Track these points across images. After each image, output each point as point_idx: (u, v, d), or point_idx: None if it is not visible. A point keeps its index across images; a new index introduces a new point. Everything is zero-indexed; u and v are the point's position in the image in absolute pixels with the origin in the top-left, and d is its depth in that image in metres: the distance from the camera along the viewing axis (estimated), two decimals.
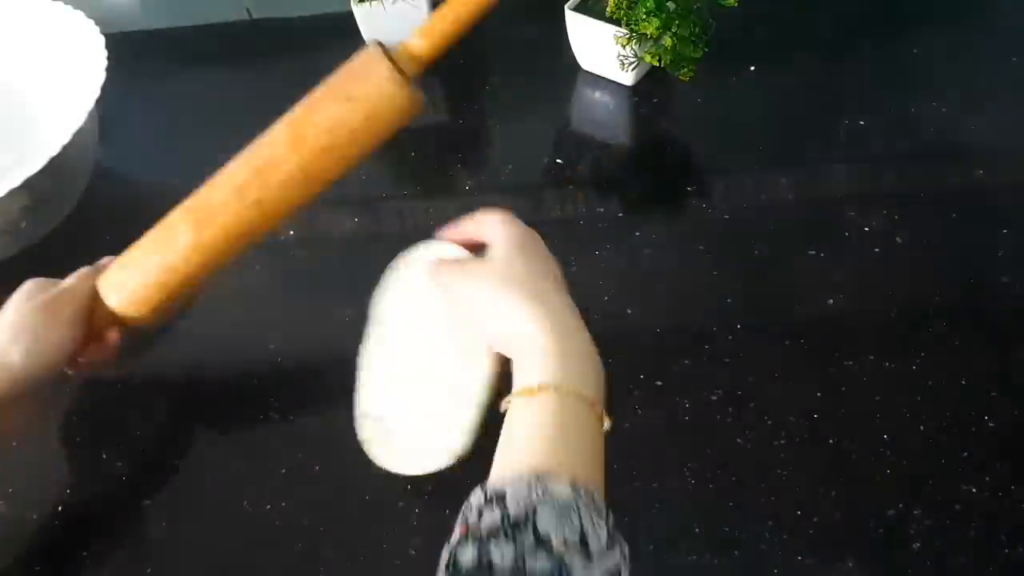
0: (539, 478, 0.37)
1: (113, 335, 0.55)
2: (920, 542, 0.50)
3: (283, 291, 0.66)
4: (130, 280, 0.54)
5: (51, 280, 0.55)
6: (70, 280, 0.55)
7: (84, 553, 0.54)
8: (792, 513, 0.52)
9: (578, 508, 0.37)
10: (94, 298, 0.54)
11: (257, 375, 0.62)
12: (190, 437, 0.59)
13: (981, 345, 0.59)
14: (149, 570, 0.54)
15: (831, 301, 0.61)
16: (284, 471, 0.57)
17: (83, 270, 0.56)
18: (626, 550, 0.38)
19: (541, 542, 0.35)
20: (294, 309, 0.66)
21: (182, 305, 0.57)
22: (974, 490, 0.52)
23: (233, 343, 0.64)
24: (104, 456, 0.58)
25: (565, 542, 0.35)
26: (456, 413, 0.55)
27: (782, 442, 0.55)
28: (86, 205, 0.74)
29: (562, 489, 0.37)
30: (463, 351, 0.55)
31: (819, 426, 0.56)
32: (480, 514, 0.37)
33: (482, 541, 0.36)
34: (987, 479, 0.52)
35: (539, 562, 0.34)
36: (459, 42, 0.56)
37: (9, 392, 0.50)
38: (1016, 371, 0.57)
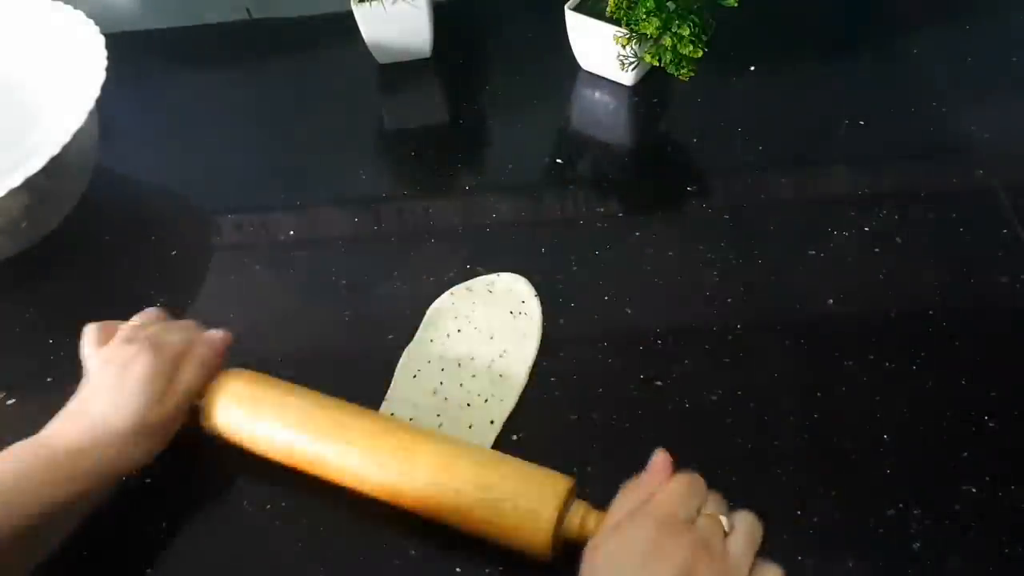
0: None
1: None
2: (920, 542, 0.50)
3: (283, 291, 0.66)
4: (234, 416, 0.55)
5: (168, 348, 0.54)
6: (186, 369, 0.54)
7: (84, 553, 0.54)
8: (792, 513, 0.52)
9: None
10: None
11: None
12: (190, 437, 0.59)
13: (981, 345, 0.59)
14: (149, 570, 0.54)
15: (831, 301, 0.61)
16: (284, 471, 0.57)
17: (202, 351, 0.55)
18: None
19: None
20: (294, 309, 0.66)
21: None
22: (974, 490, 0.52)
23: (233, 343, 0.64)
24: None
25: None
26: (472, 435, 0.56)
27: (782, 442, 0.55)
28: (86, 205, 0.74)
29: None
30: (495, 381, 0.59)
31: (819, 426, 0.56)
32: None
33: None
34: (987, 479, 0.52)
35: None
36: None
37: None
38: (1016, 371, 0.57)
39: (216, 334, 0.57)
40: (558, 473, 0.50)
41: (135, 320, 0.57)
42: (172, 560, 0.54)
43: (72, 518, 0.52)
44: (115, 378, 0.52)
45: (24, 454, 0.50)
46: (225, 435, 0.55)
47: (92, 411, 0.52)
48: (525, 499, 0.48)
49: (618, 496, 0.47)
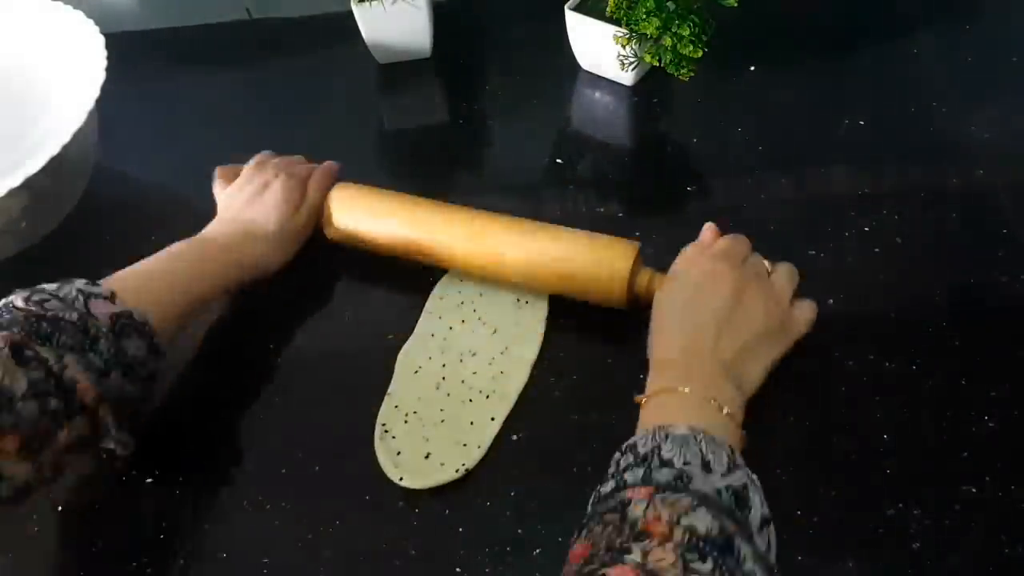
0: (660, 427, 0.45)
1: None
2: (920, 542, 0.50)
3: (283, 291, 0.66)
4: (351, 219, 0.66)
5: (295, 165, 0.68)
6: (312, 187, 0.66)
7: (84, 552, 0.54)
8: (792, 513, 0.52)
9: (698, 441, 0.44)
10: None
11: (257, 375, 0.62)
12: (190, 436, 0.59)
13: (981, 345, 0.59)
14: (149, 570, 0.54)
15: (831, 301, 0.61)
16: (284, 471, 0.57)
17: (319, 178, 0.67)
18: (755, 478, 0.44)
19: (664, 463, 0.43)
20: (294, 309, 0.66)
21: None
22: (974, 490, 0.52)
23: (233, 343, 0.64)
24: (103, 456, 0.58)
25: (686, 462, 0.42)
26: (473, 431, 0.56)
27: (782, 442, 0.55)
28: (86, 205, 0.74)
29: (680, 428, 0.45)
30: (496, 375, 0.59)
31: (819, 426, 0.56)
32: (617, 464, 0.45)
33: (617, 475, 0.44)
34: (987, 479, 0.52)
35: (663, 475, 0.42)
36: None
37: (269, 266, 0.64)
38: (1016, 371, 0.57)
39: (330, 163, 0.69)
40: (626, 240, 0.60)
41: (259, 156, 0.69)
42: (172, 560, 0.54)
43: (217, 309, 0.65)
44: (257, 193, 0.64)
45: (186, 249, 0.60)
46: (345, 237, 0.66)
47: (243, 217, 0.63)
48: (605, 262, 0.58)
49: (677, 259, 0.57)
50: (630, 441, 0.46)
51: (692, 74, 0.68)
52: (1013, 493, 0.52)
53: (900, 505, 0.52)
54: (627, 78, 0.77)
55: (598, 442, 0.56)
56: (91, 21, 0.71)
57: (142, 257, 0.59)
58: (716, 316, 0.52)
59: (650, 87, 0.78)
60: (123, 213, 0.76)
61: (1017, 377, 0.57)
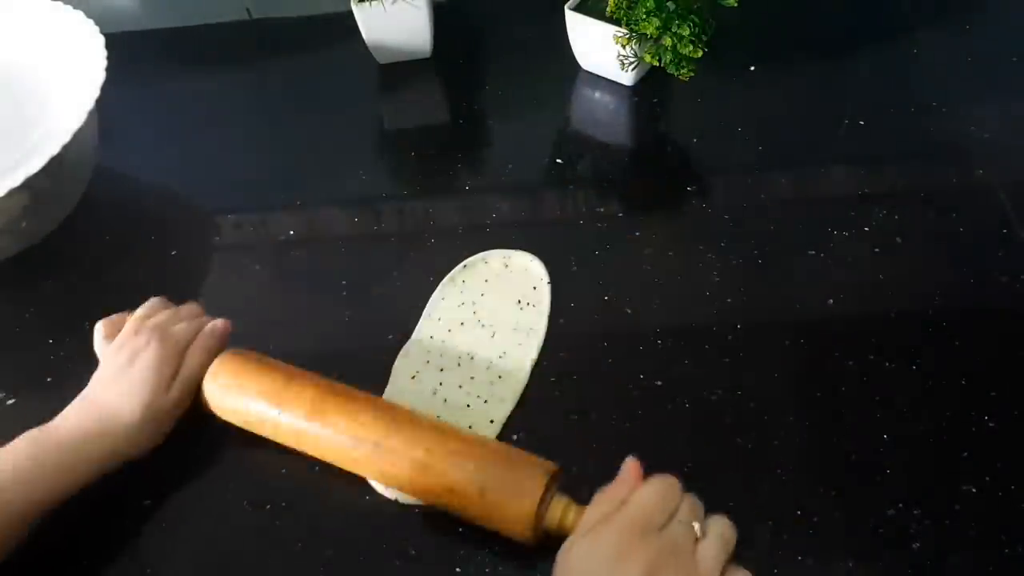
0: None
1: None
2: (920, 542, 0.50)
3: (283, 291, 0.66)
4: (230, 401, 0.56)
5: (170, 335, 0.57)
6: (191, 357, 0.57)
7: (83, 553, 0.54)
8: (792, 513, 0.52)
9: None
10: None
11: None
12: (190, 436, 0.59)
13: (981, 345, 0.59)
14: (149, 570, 0.54)
15: (831, 301, 0.61)
16: (284, 471, 0.57)
17: (202, 340, 0.58)
18: None
19: None
20: (294, 309, 0.66)
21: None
22: (974, 490, 0.52)
23: (233, 343, 0.64)
24: None
25: None
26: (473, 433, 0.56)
27: (782, 442, 0.55)
28: (86, 205, 0.74)
29: None
30: (495, 382, 0.59)
31: (819, 426, 0.56)
32: None
33: None
34: (987, 479, 0.52)
35: None
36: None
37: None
38: (1016, 371, 0.57)
39: (219, 322, 0.60)
40: (543, 460, 0.51)
41: (141, 310, 0.60)
42: (172, 559, 0.54)
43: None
44: (123, 368, 0.55)
45: (33, 443, 0.52)
46: (224, 418, 0.57)
47: (100, 400, 0.55)
48: (512, 486, 0.49)
49: (592, 502, 0.47)
50: None
51: (692, 74, 0.69)
52: (1013, 493, 0.52)
53: (900, 505, 0.52)
54: (627, 78, 0.77)
55: (598, 442, 0.56)
56: (91, 21, 0.71)
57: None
58: None
59: (650, 87, 0.78)
60: (123, 213, 0.76)
61: (1017, 377, 0.57)
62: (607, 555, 0.43)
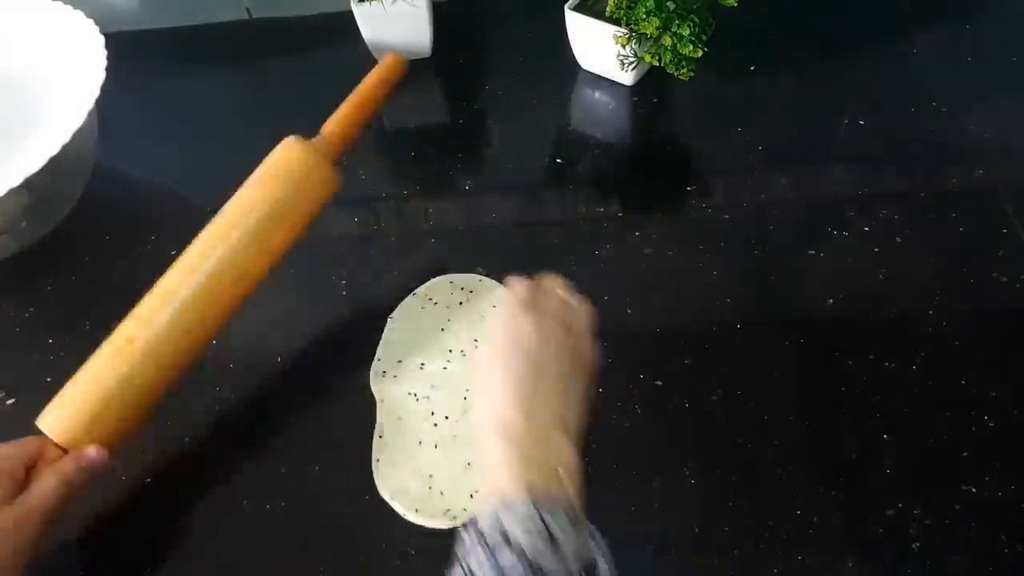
0: (503, 501, 0.41)
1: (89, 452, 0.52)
2: (920, 542, 0.50)
3: (283, 291, 0.66)
4: (73, 415, 0.53)
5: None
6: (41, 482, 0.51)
7: (84, 552, 0.54)
8: (792, 513, 0.52)
9: (536, 511, 0.40)
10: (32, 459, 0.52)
11: (257, 375, 0.62)
12: (190, 437, 0.59)
13: (981, 345, 0.59)
14: (149, 570, 0.54)
15: (831, 301, 0.61)
16: (284, 471, 0.57)
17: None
18: (602, 545, 0.41)
19: (508, 541, 0.39)
20: (294, 309, 0.66)
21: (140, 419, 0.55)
22: (974, 490, 0.52)
23: (233, 342, 0.64)
24: None
25: (527, 532, 0.39)
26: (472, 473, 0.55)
27: (782, 442, 0.55)
28: (86, 205, 0.74)
29: (520, 502, 0.41)
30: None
31: (819, 426, 0.56)
32: (462, 542, 0.41)
33: (462, 559, 0.40)
34: (987, 479, 0.52)
35: (506, 559, 0.39)
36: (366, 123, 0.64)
37: None
38: (1016, 371, 0.57)
39: (91, 451, 0.53)
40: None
41: None
42: (172, 559, 0.54)
43: None
44: None
45: None
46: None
47: None
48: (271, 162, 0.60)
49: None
50: (472, 518, 0.42)
51: (692, 74, 0.69)
52: (1013, 493, 0.52)
53: (900, 505, 0.52)
54: (627, 78, 0.77)
55: (597, 442, 0.56)
56: (91, 21, 0.71)
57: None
58: (526, 376, 0.47)
59: (650, 87, 0.78)
60: (123, 213, 0.76)
61: (1017, 377, 0.57)
62: (504, 322, 0.49)
